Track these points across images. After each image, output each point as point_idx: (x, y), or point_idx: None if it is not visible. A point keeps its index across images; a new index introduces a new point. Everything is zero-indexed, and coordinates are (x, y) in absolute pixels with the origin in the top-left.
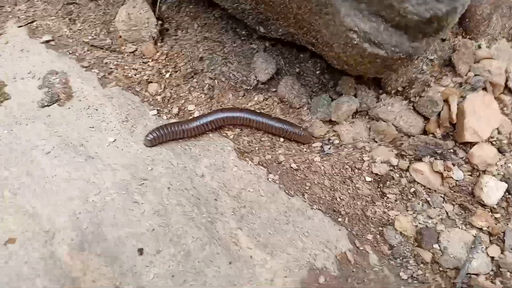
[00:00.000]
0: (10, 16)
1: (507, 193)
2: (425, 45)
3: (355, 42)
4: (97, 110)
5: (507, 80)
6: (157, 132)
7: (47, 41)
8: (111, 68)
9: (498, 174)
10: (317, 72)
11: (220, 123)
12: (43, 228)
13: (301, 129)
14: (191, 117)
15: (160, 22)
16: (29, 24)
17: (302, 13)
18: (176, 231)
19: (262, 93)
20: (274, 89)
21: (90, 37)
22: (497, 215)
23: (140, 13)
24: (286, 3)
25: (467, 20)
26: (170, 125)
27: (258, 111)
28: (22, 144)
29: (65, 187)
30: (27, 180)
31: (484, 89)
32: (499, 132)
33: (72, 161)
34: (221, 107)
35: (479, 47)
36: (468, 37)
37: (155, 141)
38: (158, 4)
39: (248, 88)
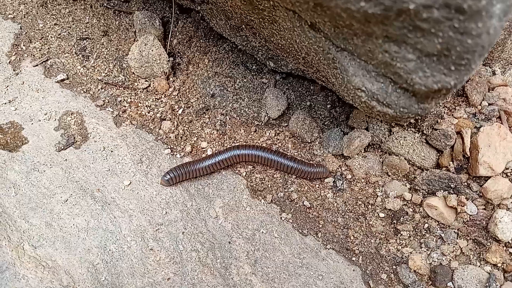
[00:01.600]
0: (26, 55)
1: None
2: (434, 105)
3: (363, 100)
4: (112, 151)
5: None
6: (174, 172)
7: (62, 80)
8: (124, 106)
9: None
10: (328, 105)
11: (234, 161)
12: (62, 284)
13: (316, 165)
14: (205, 155)
15: (171, 58)
16: (44, 63)
17: (311, 60)
18: (191, 279)
19: (273, 129)
20: (285, 124)
21: (103, 74)
22: None
23: (152, 50)
24: (295, 48)
25: None
26: (186, 164)
27: (274, 149)
28: (41, 192)
29: (84, 237)
30: (46, 231)
31: (499, 117)
32: None
33: (89, 208)
34: (236, 145)
35: (494, 73)
36: (482, 63)
37: (172, 181)
38: (169, 39)
39: (260, 124)
